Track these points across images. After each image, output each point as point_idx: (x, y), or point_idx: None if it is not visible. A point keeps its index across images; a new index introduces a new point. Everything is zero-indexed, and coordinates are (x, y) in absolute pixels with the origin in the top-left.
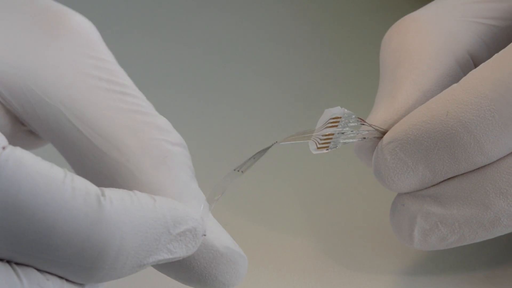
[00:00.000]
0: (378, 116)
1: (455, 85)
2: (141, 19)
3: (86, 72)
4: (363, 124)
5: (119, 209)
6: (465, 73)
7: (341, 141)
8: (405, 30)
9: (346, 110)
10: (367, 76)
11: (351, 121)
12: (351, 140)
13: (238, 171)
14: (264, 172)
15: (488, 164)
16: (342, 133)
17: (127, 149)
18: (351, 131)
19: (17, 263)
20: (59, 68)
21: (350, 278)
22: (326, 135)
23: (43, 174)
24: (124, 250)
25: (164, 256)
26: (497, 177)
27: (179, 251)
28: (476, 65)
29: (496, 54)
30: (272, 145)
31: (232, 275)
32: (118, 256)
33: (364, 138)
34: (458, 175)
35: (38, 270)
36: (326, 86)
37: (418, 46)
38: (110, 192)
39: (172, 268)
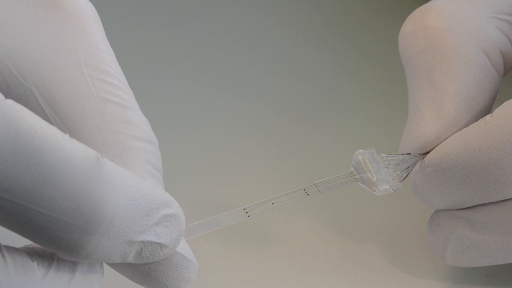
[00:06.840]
0: (428, 130)
1: (488, 117)
2: (148, 16)
3: (68, 56)
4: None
5: (116, 172)
6: (498, 72)
7: (398, 183)
8: (432, 27)
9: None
10: (384, 72)
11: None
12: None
13: (246, 212)
14: (266, 173)
15: None
16: (386, 167)
17: (85, 139)
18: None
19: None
20: (41, 49)
21: (350, 279)
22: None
23: (42, 126)
24: (119, 213)
25: (152, 238)
26: None
27: (164, 238)
28: (505, 63)
29: None
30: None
31: (175, 278)
32: (113, 220)
33: (409, 167)
34: (491, 202)
35: (28, 254)
36: (343, 81)
37: (451, 47)
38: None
39: (122, 265)
